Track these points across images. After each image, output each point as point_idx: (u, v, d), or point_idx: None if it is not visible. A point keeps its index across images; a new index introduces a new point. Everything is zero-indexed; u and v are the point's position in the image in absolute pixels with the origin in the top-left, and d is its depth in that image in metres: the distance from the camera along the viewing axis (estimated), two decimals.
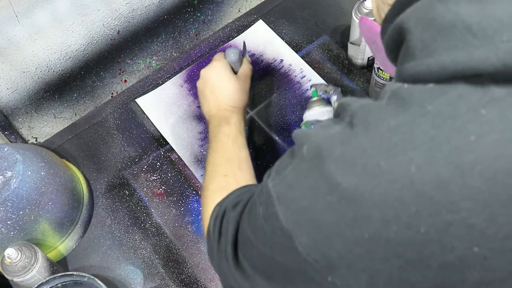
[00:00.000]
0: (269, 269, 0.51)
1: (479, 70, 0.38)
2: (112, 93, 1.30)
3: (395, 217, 0.39)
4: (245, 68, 0.95)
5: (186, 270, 0.94)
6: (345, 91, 1.06)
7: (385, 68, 0.70)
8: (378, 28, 0.53)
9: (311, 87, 0.95)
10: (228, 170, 0.77)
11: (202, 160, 1.03)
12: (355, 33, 1.02)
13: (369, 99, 0.45)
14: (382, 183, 0.39)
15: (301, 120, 0.96)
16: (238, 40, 1.16)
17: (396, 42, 0.46)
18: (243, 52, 1.03)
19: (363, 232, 0.40)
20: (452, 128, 0.38)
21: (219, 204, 0.68)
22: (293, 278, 0.47)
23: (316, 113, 0.91)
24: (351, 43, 1.04)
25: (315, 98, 0.93)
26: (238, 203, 0.63)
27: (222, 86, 0.90)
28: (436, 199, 0.38)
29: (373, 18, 0.60)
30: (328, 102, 0.92)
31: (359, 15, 0.97)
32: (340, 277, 0.43)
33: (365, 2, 0.96)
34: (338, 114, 0.46)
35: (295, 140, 0.49)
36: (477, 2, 0.39)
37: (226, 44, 1.16)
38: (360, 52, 1.04)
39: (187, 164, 1.02)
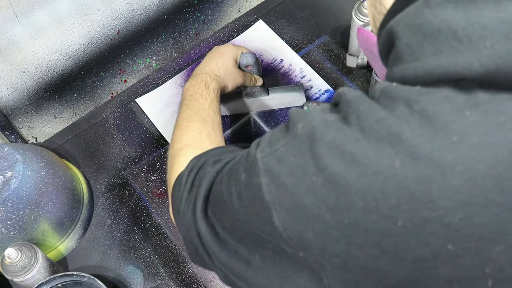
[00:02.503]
0: (239, 232, 0.51)
1: (463, 75, 0.38)
2: (112, 93, 1.30)
3: (376, 207, 0.40)
4: (252, 76, 0.99)
5: (186, 270, 0.94)
6: None
7: (383, 77, 0.70)
8: (374, 38, 0.54)
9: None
10: (203, 129, 0.77)
11: None
12: (355, 33, 1.02)
13: (363, 92, 0.46)
14: (367, 173, 0.40)
15: None
16: (238, 40, 1.16)
17: (387, 47, 0.46)
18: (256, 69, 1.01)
19: (343, 218, 0.41)
20: (436, 127, 0.39)
21: (197, 158, 0.67)
22: (263, 245, 0.48)
23: None
24: (349, 54, 1.04)
25: None
26: (218, 161, 0.62)
27: (218, 59, 0.92)
28: (416, 195, 0.39)
29: (370, 29, 0.60)
30: None
31: (359, 15, 0.97)
32: (312, 256, 0.44)
33: (365, 2, 0.96)
34: (336, 103, 0.47)
35: (291, 116, 0.49)
36: (463, 8, 0.39)
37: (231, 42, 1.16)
38: (359, 59, 1.04)
39: None
